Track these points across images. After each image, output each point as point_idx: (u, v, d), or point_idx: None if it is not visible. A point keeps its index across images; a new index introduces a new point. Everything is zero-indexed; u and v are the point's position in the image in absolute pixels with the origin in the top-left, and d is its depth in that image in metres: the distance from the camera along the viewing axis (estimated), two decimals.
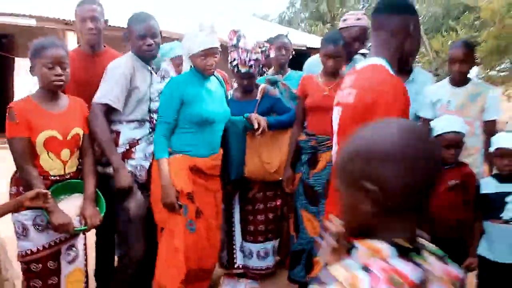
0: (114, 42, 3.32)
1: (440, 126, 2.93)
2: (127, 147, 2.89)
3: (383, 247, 0.98)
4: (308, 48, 12.38)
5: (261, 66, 3.39)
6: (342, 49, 3.19)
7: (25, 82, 9.82)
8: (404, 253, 0.97)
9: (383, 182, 0.97)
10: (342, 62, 3.27)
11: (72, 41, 9.04)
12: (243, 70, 3.33)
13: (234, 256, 3.52)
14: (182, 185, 2.84)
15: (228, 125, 3.15)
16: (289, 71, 4.08)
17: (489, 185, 2.78)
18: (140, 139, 2.92)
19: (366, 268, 0.94)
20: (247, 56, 3.32)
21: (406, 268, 0.94)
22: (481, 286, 2.86)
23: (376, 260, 0.95)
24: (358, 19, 3.52)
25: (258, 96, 3.49)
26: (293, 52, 4.15)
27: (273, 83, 3.74)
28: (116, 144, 2.86)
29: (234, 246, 3.51)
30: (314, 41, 14.07)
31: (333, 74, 3.25)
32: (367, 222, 1.03)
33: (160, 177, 2.81)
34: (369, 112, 1.87)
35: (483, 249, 2.80)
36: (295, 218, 3.38)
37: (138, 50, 2.91)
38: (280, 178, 3.45)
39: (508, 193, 2.69)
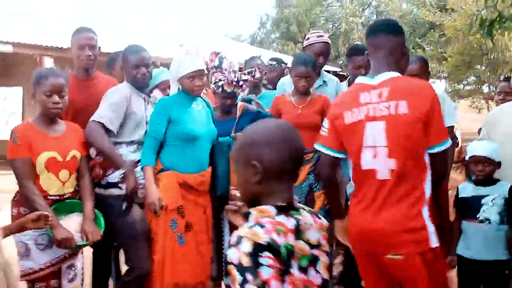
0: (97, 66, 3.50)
1: None
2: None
3: (268, 208, 1.42)
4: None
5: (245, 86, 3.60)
6: (312, 69, 3.45)
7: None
8: (283, 210, 1.41)
9: (263, 161, 1.42)
10: (312, 81, 3.52)
11: (49, 66, 9.09)
12: (228, 90, 3.55)
13: (223, 268, 3.65)
14: (169, 200, 3.03)
15: (215, 144, 3.34)
16: (263, 91, 4.32)
17: (466, 189, 3.04)
18: (139, 160, 3.09)
19: (260, 224, 1.35)
20: (235, 76, 3.54)
21: (285, 220, 1.39)
22: (461, 283, 3.07)
23: (265, 218, 1.39)
24: (320, 36, 3.84)
25: (238, 114, 3.70)
26: (265, 73, 4.38)
27: (248, 102, 3.98)
28: (117, 167, 3.02)
29: (223, 259, 3.65)
30: (287, 60, 14.40)
31: (304, 93, 3.50)
32: (256, 191, 1.47)
33: (145, 181, 3.02)
34: (428, 117, 2.08)
35: (460, 248, 3.03)
36: None
37: (133, 78, 3.12)
38: None
39: (483, 196, 2.93)
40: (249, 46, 20.22)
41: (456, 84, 17.77)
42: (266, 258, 1.27)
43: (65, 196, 2.76)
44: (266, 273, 1.26)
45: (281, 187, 1.45)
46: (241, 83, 3.66)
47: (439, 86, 17.87)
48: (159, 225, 3.05)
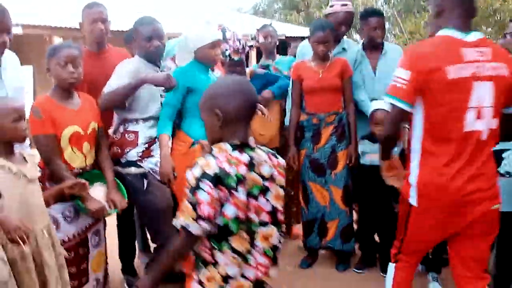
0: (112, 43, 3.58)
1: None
2: (146, 147, 3.06)
3: (225, 146, 1.73)
4: (287, 37, 12.70)
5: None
6: (330, 34, 3.50)
7: None
8: (238, 147, 1.73)
9: (223, 109, 1.73)
10: (331, 46, 3.57)
11: None
12: (236, 58, 3.72)
13: None
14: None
15: None
16: (278, 57, 4.37)
17: None
18: (157, 137, 3.08)
19: (213, 156, 1.68)
20: (240, 44, 3.66)
21: (239, 155, 1.71)
22: None
23: (221, 152, 1.70)
24: (344, 4, 3.83)
25: (248, 79, 3.87)
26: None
27: (265, 67, 4.14)
28: (135, 145, 3.05)
29: None
30: (292, 30, 14.38)
31: (323, 58, 3.57)
32: (219, 134, 1.77)
33: (160, 150, 3.02)
34: None
35: None
36: (304, 191, 3.71)
37: (146, 51, 3.10)
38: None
39: (504, 150, 2.92)
40: (252, 17, 20.08)
41: None
42: (206, 186, 1.62)
43: (87, 168, 2.80)
44: (201, 196, 1.62)
45: (237, 130, 1.76)
46: (247, 49, 3.83)
47: None
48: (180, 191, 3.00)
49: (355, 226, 3.84)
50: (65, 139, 2.66)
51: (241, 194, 1.67)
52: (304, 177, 3.69)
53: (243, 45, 3.79)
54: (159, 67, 3.21)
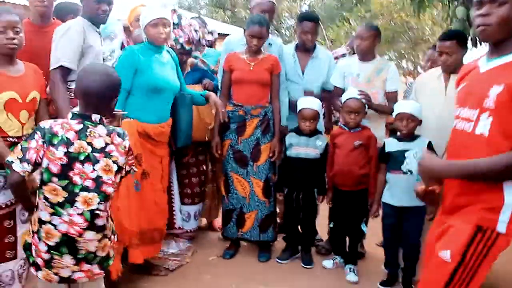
0: None
1: (344, 95, 3.56)
2: None
3: (69, 114, 2.18)
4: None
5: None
6: (265, 30, 3.60)
7: None
8: (79, 118, 2.15)
9: (76, 84, 2.22)
10: (264, 41, 3.67)
11: None
12: (187, 47, 3.68)
13: (174, 217, 3.79)
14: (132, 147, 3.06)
15: (178, 97, 3.38)
16: (206, 49, 4.40)
17: (391, 144, 3.34)
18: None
19: (55, 120, 2.16)
20: (197, 35, 3.65)
21: (73, 123, 2.13)
22: (385, 227, 3.42)
23: (64, 119, 2.19)
24: None
25: (188, 68, 3.88)
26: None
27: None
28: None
29: (174, 209, 3.77)
30: (217, 27, 14.38)
31: (256, 52, 3.65)
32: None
33: None
34: None
35: (386, 197, 3.36)
36: (225, 181, 3.76)
37: (93, 13, 3.08)
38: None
39: (406, 150, 3.24)
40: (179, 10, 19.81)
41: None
42: (37, 136, 2.09)
43: (23, 138, 2.63)
44: (31, 143, 2.08)
45: (84, 106, 2.19)
46: (203, 42, 3.86)
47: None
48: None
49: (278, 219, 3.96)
50: (0, 104, 2.58)
51: (59, 152, 2.08)
52: (226, 167, 3.74)
53: (199, 37, 3.76)
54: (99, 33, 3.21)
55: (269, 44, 3.93)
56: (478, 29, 1.87)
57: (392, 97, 3.76)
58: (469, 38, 4.06)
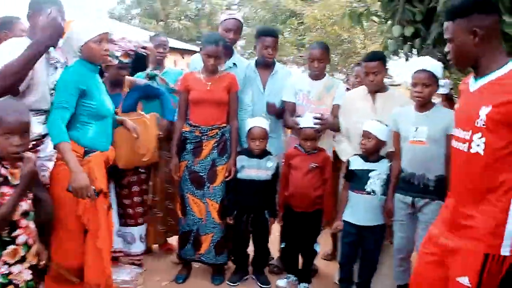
0: None
1: (301, 121, 3.58)
2: (32, 145, 2.60)
3: None
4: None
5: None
6: (222, 49, 3.55)
7: None
8: None
9: None
10: (221, 60, 3.62)
11: None
12: (125, 60, 3.53)
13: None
14: (103, 185, 2.87)
15: None
16: (166, 68, 4.33)
17: (356, 162, 3.38)
18: (45, 135, 2.77)
19: None
20: (134, 47, 3.53)
21: None
22: (343, 245, 3.46)
23: None
24: (231, 14, 4.00)
25: (126, 90, 3.65)
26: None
27: (152, 78, 4.00)
28: None
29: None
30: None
31: (213, 71, 3.58)
32: None
33: (67, 162, 2.67)
34: None
35: (347, 215, 3.39)
36: (182, 202, 3.66)
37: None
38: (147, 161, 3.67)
39: (370, 170, 3.30)
40: (109, 21, 19.37)
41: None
42: None
43: None
44: None
45: None
46: (140, 51, 3.75)
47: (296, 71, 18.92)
48: (99, 211, 2.85)
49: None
50: None
51: None
52: (183, 188, 3.64)
53: (135, 48, 3.63)
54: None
55: (233, 64, 3.89)
56: (450, 60, 2.16)
57: (335, 110, 3.79)
58: (403, 53, 4.29)
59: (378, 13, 4.98)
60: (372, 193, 3.28)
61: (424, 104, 3.03)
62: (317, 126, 3.52)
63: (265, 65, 4.00)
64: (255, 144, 3.56)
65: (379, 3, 4.90)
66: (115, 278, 3.49)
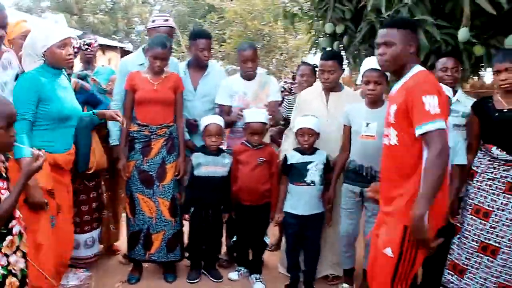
0: None
1: (249, 116, 3.67)
2: None
3: None
4: None
5: None
6: (168, 51, 3.58)
7: None
8: None
9: None
10: (167, 62, 3.64)
11: None
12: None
13: None
14: (44, 182, 2.80)
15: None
16: (97, 67, 4.25)
17: (294, 157, 3.55)
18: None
19: None
20: (77, 43, 3.49)
21: None
22: (289, 236, 3.64)
23: None
24: (166, 20, 3.95)
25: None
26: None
27: (83, 78, 3.91)
28: None
29: None
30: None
31: (159, 72, 3.60)
32: None
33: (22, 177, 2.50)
34: None
35: (288, 207, 3.57)
36: (131, 202, 3.65)
37: None
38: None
39: (308, 162, 3.49)
40: (17, 13, 18.31)
41: (232, 65, 19.18)
42: None
43: None
44: None
45: None
46: (76, 50, 3.65)
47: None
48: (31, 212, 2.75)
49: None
50: None
51: None
52: (132, 188, 3.64)
53: (80, 46, 3.57)
54: None
55: None
56: (379, 64, 2.49)
57: (272, 106, 3.99)
58: (333, 50, 4.52)
59: (308, 12, 5.21)
60: (312, 184, 3.48)
61: (375, 101, 3.24)
62: (264, 120, 3.64)
63: (198, 66, 4.05)
64: (211, 140, 3.64)
65: (308, 2, 5.14)
66: (64, 284, 3.45)
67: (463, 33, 3.18)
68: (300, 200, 3.51)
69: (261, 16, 15.00)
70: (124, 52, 14.46)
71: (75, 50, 3.53)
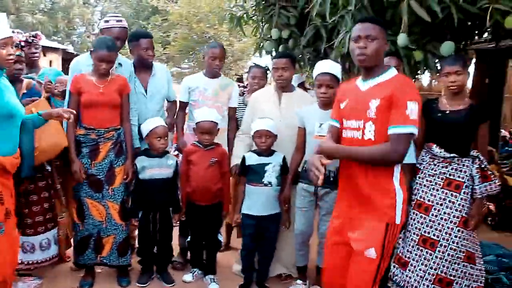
0: None
1: (199, 116, 3.70)
2: None
3: None
4: None
5: None
6: (114, 54, 3.56)
7: None
8: None
9: None
10: (113, 64, 3.62)
11: None
12: (17, 53, 3.45)
13: None
14: None
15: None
16: (42, 69, 4.17)
17: (251, 158, 3.62)
18: None
19: None
20: (23, 37, 3.46)
21: None
22: (246, 237, 3.69)
23: None
24: (119, 20, 3.95)
25: (24, 90, 3.60)
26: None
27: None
28: None
29: None
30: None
31: (105, 75, 3.58)
32: None
33: None
34: None
35: (246, 208, 3.64)
36: (79, 207, 3.60)
37: None
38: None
39: (266, 164, 3.57)
40: None
41: (177, 68, 19.09)
42: None
43: None
44: None
45: None
46: (23, 44, 3.64)
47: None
48: None
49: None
50: None
51: None
52: (80, 193, 3.59)
53: (26, 39, 3.46)
54: None
55: (119, 64, 3.88)
56: (357, 57, 2.46)
57: (232, 112, 4.18)
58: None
59: (253, 17, 5.34)
60: (269, 185, 3.57)
61: (328, 103, 3.35)
62: (214, 119, 3.67)
63: (144, 67, 4.07)
64: (160, 143, 3.65)
65: (253, 7, 5.26)
66: None
67: (402, 39, 3.36)
68: (257, 201, 3.58)
69: (206, 19, 15.06)
70: (66, 54, 14.03)
71: (22, 44, 3.45)
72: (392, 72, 2.49)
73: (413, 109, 2.32)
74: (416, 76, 4.33)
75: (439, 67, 3.33)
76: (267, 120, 3.59)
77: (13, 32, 3.51)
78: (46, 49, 17.33)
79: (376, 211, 2.43)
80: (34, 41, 3.97)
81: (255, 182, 3.59)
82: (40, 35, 4.04)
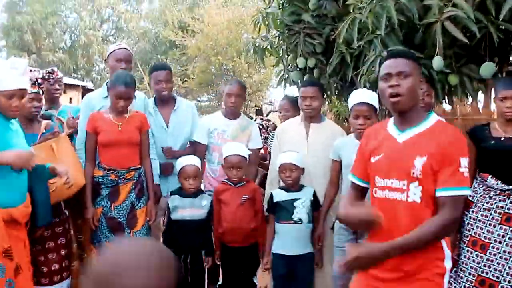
0: None
1: (226, 150, 3.51)
2: None
3: None
4: None
5: None
6: (132, 90, 3.39)
7: None
8: None
9: None
10: (131, 101, 3.43)
11: None
12: (34, 90, 3.29)
13: None
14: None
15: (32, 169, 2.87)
16: (62, 106, 4.05)
17: (279, 195, 3.39)
18: None
19: None
20: (40, 75, 3.43)
21: None
22: (277, 279, 3.42)
23: None
24: (119, 44, 3.92)
25: (42, 130, 3.40)
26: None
27: (48, 118, 3.69)
28: None
29: None
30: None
31: (123, 112, 3.40)
32: None
33: None
34: None
35: (277, 247, 3.38)
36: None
37: None
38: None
39: (295, 200, 3.33)
40: None
41: (196, 101, 19.15)
42: None
43: None
44: None
45: None
46: (40, 81, 3.55)
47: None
48: None
49: None
50: None
51: None
52: (100, 237, 3.36)
53: (43, 76, 3.34)
54: None
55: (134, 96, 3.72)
56: (390, 99, 2.02)
57: (256, 154, 3.92)
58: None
59: (277, 47, 5.19)
60: (299, 222, 3.32)
61: None
62: (243, 154, 3.48)
63: (165, 101, 3.90)
64: (188, 183, 3.44)
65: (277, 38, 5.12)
66: None
67: (437, 62, 3.14)
68: (287, 239, 3.34)
69: (225, 52, 15.08)
70: (86, 91, 14.17)
71: (39, 81, 3.34)
72: (433, 118, 2.08)
73: (466, 166, 1.97)
74: (452, 102, 4.10)
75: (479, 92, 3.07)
76: (291, 153, 3.38)
77: (30, 71, 3.41)
78: (66, 86, 17.58)
79: (425, 276, 2.02)
80: (51, 77, 3.87)
81: (284, 220, 3.35)
82: (57, 71, 3.93)
